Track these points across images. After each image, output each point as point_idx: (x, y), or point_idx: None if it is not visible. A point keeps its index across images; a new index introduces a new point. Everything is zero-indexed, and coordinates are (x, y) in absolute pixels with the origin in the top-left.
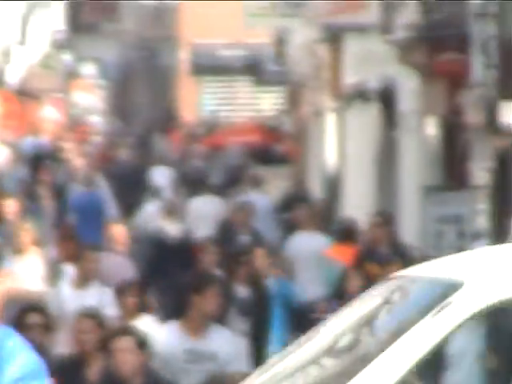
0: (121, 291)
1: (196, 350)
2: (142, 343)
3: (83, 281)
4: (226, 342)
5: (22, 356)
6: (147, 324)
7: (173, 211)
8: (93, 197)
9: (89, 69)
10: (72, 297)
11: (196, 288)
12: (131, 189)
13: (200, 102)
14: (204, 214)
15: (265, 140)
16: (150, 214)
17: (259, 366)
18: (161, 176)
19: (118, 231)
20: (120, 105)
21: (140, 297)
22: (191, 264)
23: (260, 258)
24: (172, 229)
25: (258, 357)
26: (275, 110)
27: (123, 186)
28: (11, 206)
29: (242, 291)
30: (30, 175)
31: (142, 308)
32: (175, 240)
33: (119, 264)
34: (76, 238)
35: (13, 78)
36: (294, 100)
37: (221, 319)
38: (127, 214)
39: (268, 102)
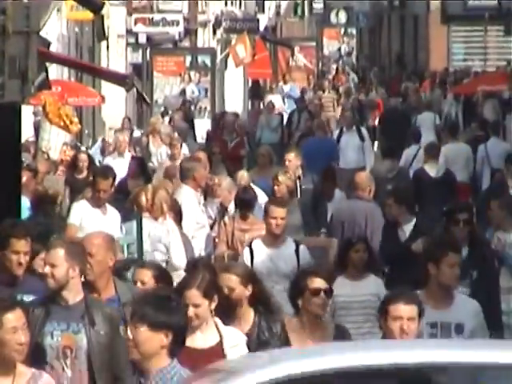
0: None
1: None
2: None
3: None
4: (470, 312)
5: None
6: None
7: (433, 154)
8: (325, 143)
9: (340, 17)
10: None
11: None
12: (398, 132)
13: (450, 50)
14: (458, 159)
15: None
16: (411, 156)
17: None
18: (423, 121)
19: (362, 179)
20: (371, 54)
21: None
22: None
23: None
24: (432, 170)
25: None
26: None
27: (392, 129)
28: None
29: None
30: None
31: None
32: (436, 179)
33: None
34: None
35: (264, 26)
36: None
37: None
38: (392, 156)
39: None
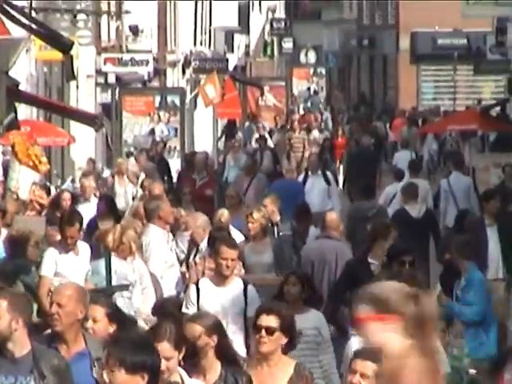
0: None
1: None
2: None
3: None
4: None
5: None
6: None
7: (413, 194)
8: (293, 186)
9: (309, 57)
10: None
11: None
12: (370, 171)
13: (420, 90)
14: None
15: (485, 128)
16: (391, 195)
17: None
18: (400, 159)
19: (333, 218)
20: (340, 93)
21: None
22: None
23: None
24: (413, 210)
25: None
26: (495, 99)
27: (363, 169)
28: None
29: None
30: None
31: None
32: (417, 219)
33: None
34: None
35: (233, 65)
36: None
37: None
38: (369, 194)
39: (488, 91)
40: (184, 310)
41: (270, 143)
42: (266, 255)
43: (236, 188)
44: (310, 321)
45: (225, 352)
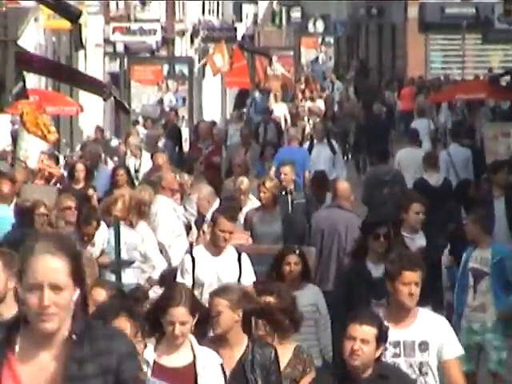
0: None
1: None
2: None
3: None
4: (435, 329)
5: None
6: None
7: (433, 163)
8: (300, 153)
9: (317, 26)
10: None
11: None
12: (382, 139)
13: (428, 59)
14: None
15: (494, 97)
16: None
17: None
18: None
19: (344, 188)
20: (347, 62)
21: None
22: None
23: None
24: (432, 179)
25: None
26: (504, 67)
27: (375, 137)
28: None
29: None
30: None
31: None
32: (436, 188)
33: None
34: None
35: (241, 35)
36: None
37: None
38: (386, 158)
39: (496, 60)
40: (179, 278)
41: (275, 116)
42: (275, 225)
43: (231, 157)
44: (308, 297)
45: (251, 326)
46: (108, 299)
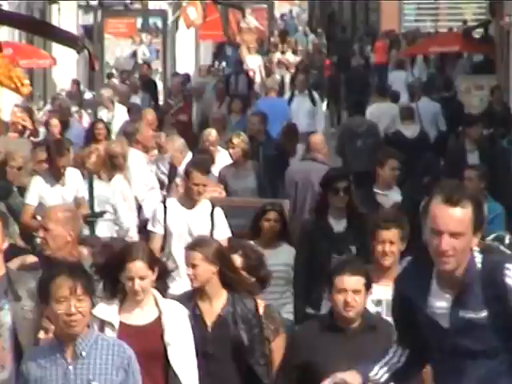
0: None
1: None
2: None
3: None
4: None
5: None
6: None
7: (409, 115)
8: (279, 105)
9: None
10: None
11: None
12: (360, 91)
13: (402, 11)
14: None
15: (467, 49)
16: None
17: None
18: (393, 80)
19: (317, 140)
20: (321, 16)
21: None
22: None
23: None
24: (408, 131)
25: None
26: (477, 20)
27: (353, 88)
28: None
29: None
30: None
31: None
32: (412, 140)
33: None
34: None
35: None
36: (495, 9)
37: None
38: (360, 111)
39: (470, 12)
40: (150, 227)
41: (246, 67)
42: (249, 179)
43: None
44: (281, 257)
45: (230, 279)
46: None
